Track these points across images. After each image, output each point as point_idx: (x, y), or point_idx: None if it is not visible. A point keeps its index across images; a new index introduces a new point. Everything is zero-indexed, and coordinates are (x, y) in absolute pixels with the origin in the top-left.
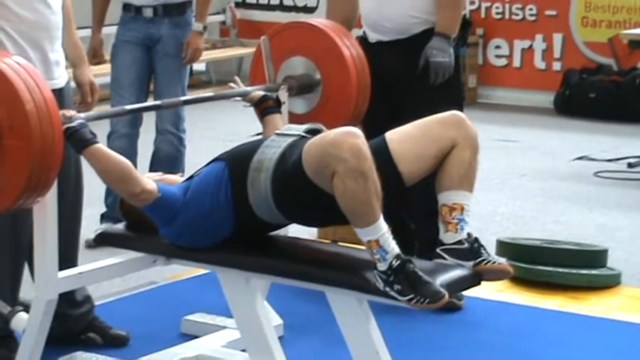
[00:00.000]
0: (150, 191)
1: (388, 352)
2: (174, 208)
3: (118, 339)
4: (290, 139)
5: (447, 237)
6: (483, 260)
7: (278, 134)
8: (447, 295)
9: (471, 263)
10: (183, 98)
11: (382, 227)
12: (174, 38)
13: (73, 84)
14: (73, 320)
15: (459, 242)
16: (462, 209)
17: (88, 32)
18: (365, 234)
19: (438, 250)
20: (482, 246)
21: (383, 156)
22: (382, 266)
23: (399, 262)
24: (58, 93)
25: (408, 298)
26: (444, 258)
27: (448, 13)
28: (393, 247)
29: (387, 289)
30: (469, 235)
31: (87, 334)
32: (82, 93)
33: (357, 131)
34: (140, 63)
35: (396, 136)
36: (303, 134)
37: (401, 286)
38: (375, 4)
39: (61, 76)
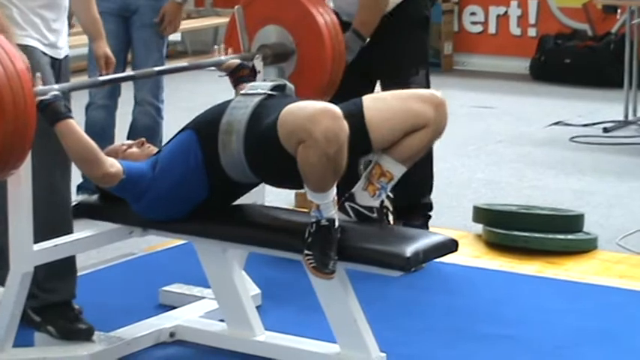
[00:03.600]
0: (112, 175)
1: (365, 320)
2: (142, 186)
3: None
4: (257, 99)
5: (362, 196)
6: None
7: (243, 94)
8: (330, 276)
9: None
10: (157, 68)
11: (328, 197)
12: (151, 9)
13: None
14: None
15: (370, 209)
16: (391, 179)
17: None
18: (311, 195)
19: (346, 204)
20: (389, 222)
21: (357, 122)
22: (313, 217)
23: (327, 224)
24: (59, 63)
25: (306, 252)
26: (349, 215)
27: (364, 16)
28: (332, 214)
29: (306, 235)
30: (382, 204)
31: None
32: (98, 66)
33: (337, 112)
34: (117, 34)
35: (373, 104)
36: (270, 92)
37: (312, 240)
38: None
39: (64, 47)
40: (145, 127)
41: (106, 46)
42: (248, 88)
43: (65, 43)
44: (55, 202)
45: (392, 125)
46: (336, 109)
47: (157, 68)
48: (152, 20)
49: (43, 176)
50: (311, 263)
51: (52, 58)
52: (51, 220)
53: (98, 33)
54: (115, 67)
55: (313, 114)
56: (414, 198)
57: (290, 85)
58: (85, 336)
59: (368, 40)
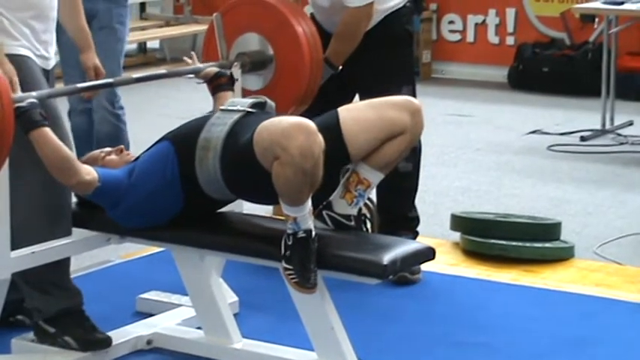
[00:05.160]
0: (87, 183)
1: (343, 327)
2: (119, 193)
3: None
4: (236, 116)
5: (340, 204)
6: None
7: (223, 110)
8: (312, 290)
9: None
10: (135, 76)
11: (305, 209)
12: (109, 13)
13: None
14: (9, 304)
15: (348, 217)
16: (368, 187)
17: None
18: (287, 209)
19: (323, 212)
20: (367, 229)
21: (334, 134)
22: (290, 229)
23: (304, 235)
24: (47, 74)
25: (286, 266)
26: (327, 224)
27: (338, 46)
28: (308, 225)
29: (282, 248)
30: (360, 212)
31: (16, 317)
32: (88, 77)
33: (311, 127)
34: None
35: (349, 115)
36: (249, 109)
37: (291, 253)
38: (325, 16)
39: (52, 58)
40: (108, 135)
41: (95, 57)
42: (228, 104)
43: (53, 53)
44: (56, 202)
45: (369, 136)
46: (310, 123)
47: (135, 75)
48: (111, 24)
49: (41, 178)
50: (293, 278)
51: (42, 69)
52: (52, 222)
53: (87, 43)
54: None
55: (287, 129)
56: (399, 208)
57: (270, 103)
58: (105, 346)
59: (340, 68)
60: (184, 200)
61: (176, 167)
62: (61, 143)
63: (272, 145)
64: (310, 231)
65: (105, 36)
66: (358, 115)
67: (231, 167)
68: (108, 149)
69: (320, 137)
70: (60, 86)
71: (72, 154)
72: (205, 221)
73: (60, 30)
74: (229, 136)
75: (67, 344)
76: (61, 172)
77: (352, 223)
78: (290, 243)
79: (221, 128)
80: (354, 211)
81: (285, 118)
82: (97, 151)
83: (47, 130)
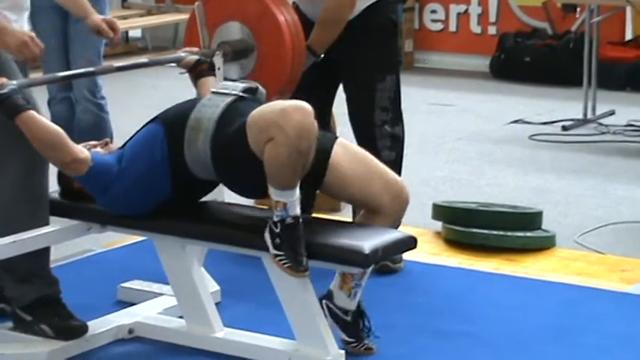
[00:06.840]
0: (82, 160)
1: (324, 317)
2: (110, 177)
3: None
4: (228, 99)
5: (339, 296)
6: (357, 344)
7: (214, 92)
8: (305, 274)
9: (345, 338)
10: (116, 64)
11: (295, 194)
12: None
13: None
14: None
15: (346, 312)
16: (364, 273)
17: None
18: (276, 194)
19: (324, 302)
20: (364, 325)
21: (321, 156)
22: (277, 217)
23: (293, 221)
24: (17, 62)
25: (276, 252)
26: (324, 313)
27: (321, 33)
28: (296, 211)
29: (268, 236)
30: (359, 306)
31: None
32: (102, 33)
33: (308, 109)
34: (60, 29)
35: (343, 152)
36: (241, 94)
37: (280, 240)
38: (309, 5)
39: None
40: (90, 125)
41: (98, 16)
42: (220, 87)
43: None
44: (36, 191)
45: (345, 185)
46: (307, 105)
47: (116, 64)
48: None
49: (22, 168)
50: (285, 264)
51: (15, 59)
52: (34, 210)
53: (84, 9)
54: (64, 61)
55: (285, 109)
56: None
57: (262, 90)
58: (80, 333)
59: (322, 56)
60: (172, 184)
61: (165, 147)
62: (50, 122)
63: (268, 126)
64: (298, 217)
65: (83, 26)
66: (350, 160)
67: (220, 151)
68: (93, 142)
69: (316, 122)
70: (39, 75)
71: (63, 132)
72: (187, 210)
73: (37, 18)
74: (221, 119)
75: (44, 332)
76: (55, 150)
77: (349, 318)
78: (278, 230)
79: (213, 110)
80: (352, 306)
81: (282, 102)
82: (81, 145)
83: (33, 112)
